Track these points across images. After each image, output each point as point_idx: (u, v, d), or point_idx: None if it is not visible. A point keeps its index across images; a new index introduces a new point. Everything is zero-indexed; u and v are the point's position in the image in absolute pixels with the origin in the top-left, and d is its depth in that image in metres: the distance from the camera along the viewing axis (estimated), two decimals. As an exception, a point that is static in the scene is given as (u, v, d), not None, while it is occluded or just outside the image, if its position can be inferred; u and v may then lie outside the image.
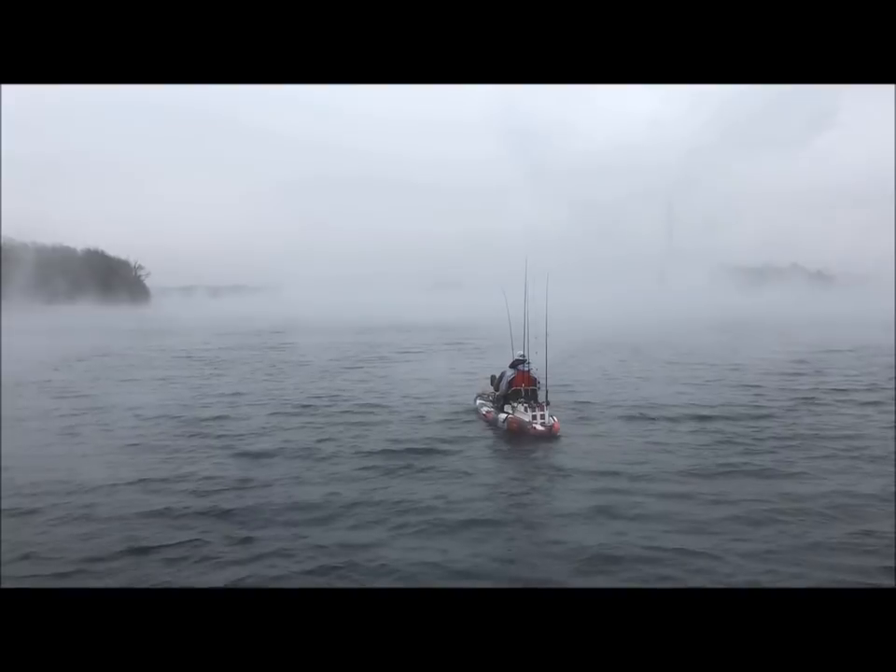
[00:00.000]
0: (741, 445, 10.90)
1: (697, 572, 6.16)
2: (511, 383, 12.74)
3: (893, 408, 13.92)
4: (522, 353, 12.89)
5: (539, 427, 11.69)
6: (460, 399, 15.29)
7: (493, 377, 13.73)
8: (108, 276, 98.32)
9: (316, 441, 11.43)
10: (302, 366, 23.47)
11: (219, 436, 12.00)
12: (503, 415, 12.42)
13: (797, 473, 9.30)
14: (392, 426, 12.72)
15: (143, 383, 19.23)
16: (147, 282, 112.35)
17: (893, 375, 18.81)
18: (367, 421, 13.20)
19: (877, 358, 23.47)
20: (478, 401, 14.11)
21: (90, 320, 55.67)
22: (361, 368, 22.65)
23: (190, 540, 6.99)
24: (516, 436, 11.73)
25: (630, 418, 13.20)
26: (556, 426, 11.74)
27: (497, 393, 13.20)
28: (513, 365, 12.92)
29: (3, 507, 8.03)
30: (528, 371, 12.76)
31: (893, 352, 23.57)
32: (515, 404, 12.39)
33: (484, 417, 13.14)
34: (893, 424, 12.31)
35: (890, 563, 6.27)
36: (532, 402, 12.28)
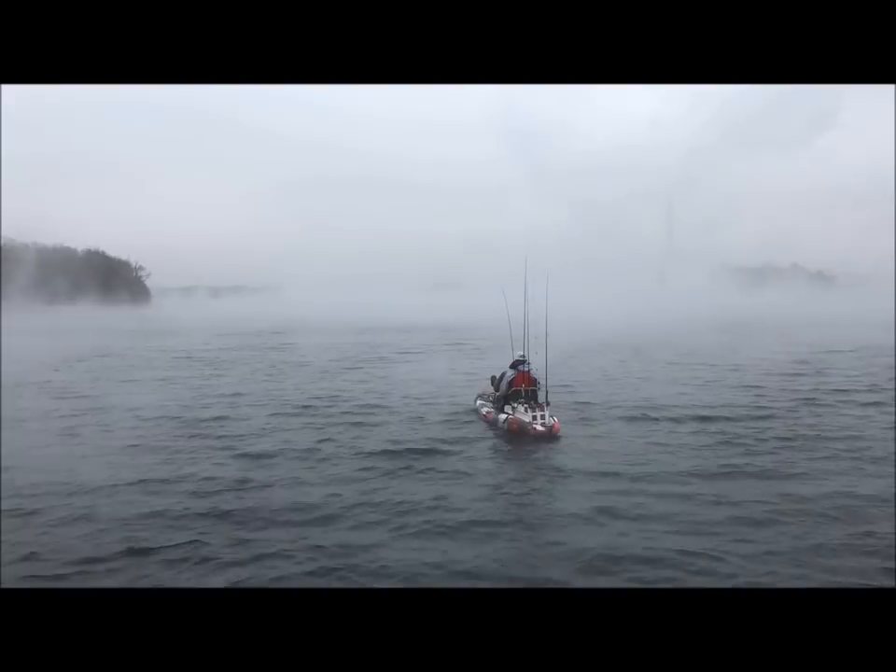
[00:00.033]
0: (742, 446, 10.89)
1: (698, 573, 6.15)
2: (511, 383, 12.74)
3: (894, 409, 13.92)
4: (522, 353, 12.88)
5: (540, 428, 11.69)
6: (460, 400, 15.29)
7: (493, 378, 13.73)
8: (109, 277, 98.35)
9: (317, 442, 11.43)
10: (302, 366, 23.47)
11: (219, 437, 12.00)
12: (503, 416, 12.42)
13: (798, 474, 9.29)
14: (392, 426, 12.71)
15: (143, 383, 19.23)
16: (148, 282, 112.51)
17: (894, 376, 18.81)
18: (367, 422, 13.19)
19: (878, 359, 23.46)
20: (478, 402, 14.11)
21: (90, 321, 55.68)
22: (361, 368, 22.65)
23: (190, 542, 6.98)
24: (516, 436, 11.73)
25: (631, 419, 13.20)
26: (556, 426, 11.74)
27: (498, 393, 13.20)
28: (513, 365, 12.92)
29: (3, 508, 8.03)
30: (528, 371, 12.75)
31: (893, 352, 23.56)
32: (515, 405, 12.39)
33: (485, 418, 13.13)
34: (894, 425, 12.31)
35: (891, 564, 6.26)
36: (532, 403, 12.27)
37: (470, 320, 43.48)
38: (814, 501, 8.08)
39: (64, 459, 10.46)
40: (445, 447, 11.04)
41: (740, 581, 5.95)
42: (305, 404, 15.33)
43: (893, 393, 15.97)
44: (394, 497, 8.36)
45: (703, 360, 23.42)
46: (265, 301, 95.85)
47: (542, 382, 12.62)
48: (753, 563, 6.35)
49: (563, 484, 9.01)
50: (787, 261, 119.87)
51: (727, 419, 13.04)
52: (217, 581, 6.09)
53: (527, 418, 11.86)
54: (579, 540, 6.95)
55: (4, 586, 5.84)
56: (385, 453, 10.66)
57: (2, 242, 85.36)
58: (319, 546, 6.86)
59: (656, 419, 13.11)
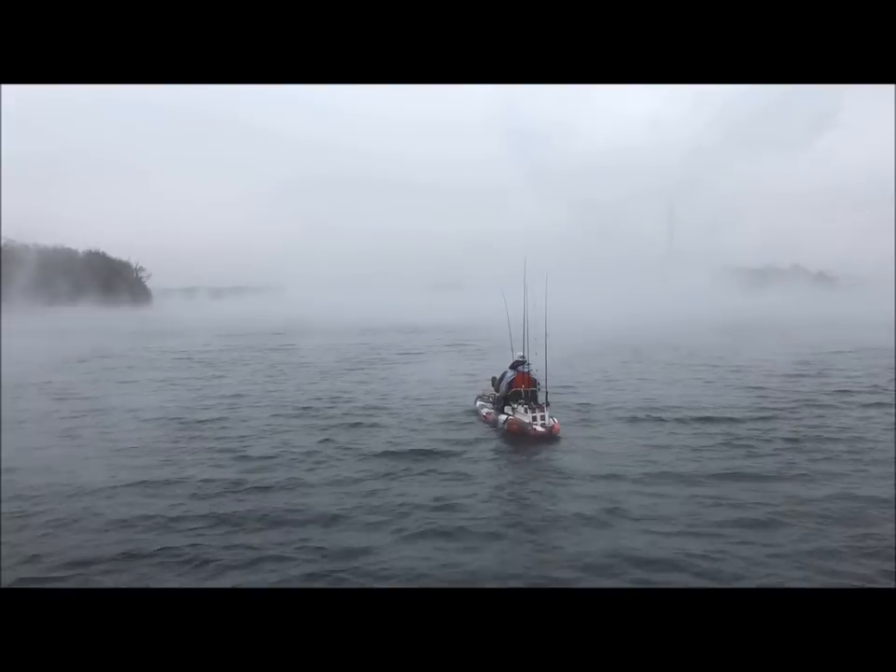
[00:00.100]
0: (743, 448, 10.88)
1: (699, 575, 6.15)
2: (511, 384, 12.74)
3: (894, 410, 13.90)
4: (522, 354, 12.88)
5: (540, 429, 11.68)
6: (460, 401, 15.28)
7: (493, 378, 13.73)
8: (110, 278, 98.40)
9: (317, 443, 11.43)
10: (303, 367, 23.48)
11: (220, 438, 12.00)
12: (503, 417, 12.42)
13: (800, 475, 9.28)
14: (392, 428, 12.71)
15: (143, 384, 19.23)
16: (149, 283, 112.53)
17: (894, 377, 18.80)
18: (367, 423, 13.19)
19: (879, 360, 23.44)
20: (478, 403, 14.11)
21: (91, 322, 55.70)
22: (362, 369, 22.65)
23: (190, 544, 6.97)
24: (516, 437, 11.72)
25: (631, 420, 13.19)
26: (556, 427, 11.73)
27: (498, 394, 13.20)
28: (513, 366, 12.92)
29: (3, 509, 8.03)
30: (528, 372, 12.75)
31: (894, 354, 23.56)
32: (515, 405, 12.38)
33: (485, 419, 13.13)
34: (894, 426, 12.30)
35: (891, 566, 6.25)
36: (532, 404, 12.27)
37: (471, 321, 43.48)
38: (815, 503, 8.07)
39: (64, 460, 10.46)
40: (445, 448, 11.04)
41: (741, 582, 5.94)
42: (305, 405, 15.33)
43: (894, 394, 15.96)
44: (394, 499, 8.36)
45: (704, 361, 23.41)
46: (266, 301, 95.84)
47: (542, 383, 12.62)
48: (754, 564, 6.34)
49: (564, 486, 9.00)
50: (788, 262, 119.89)
51: (729, 420, 13.03)
52: (217, 583, 6.08)
53: (527, 419, 11.85)
54: (579, 542, 6.94)
55: (4, 586, 5.84)
56: (385, 454, 10.66)
57: (2, 243, 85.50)
58: (319, 548, 6.86)
59: (657, 420, 13.10)
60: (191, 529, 7.40)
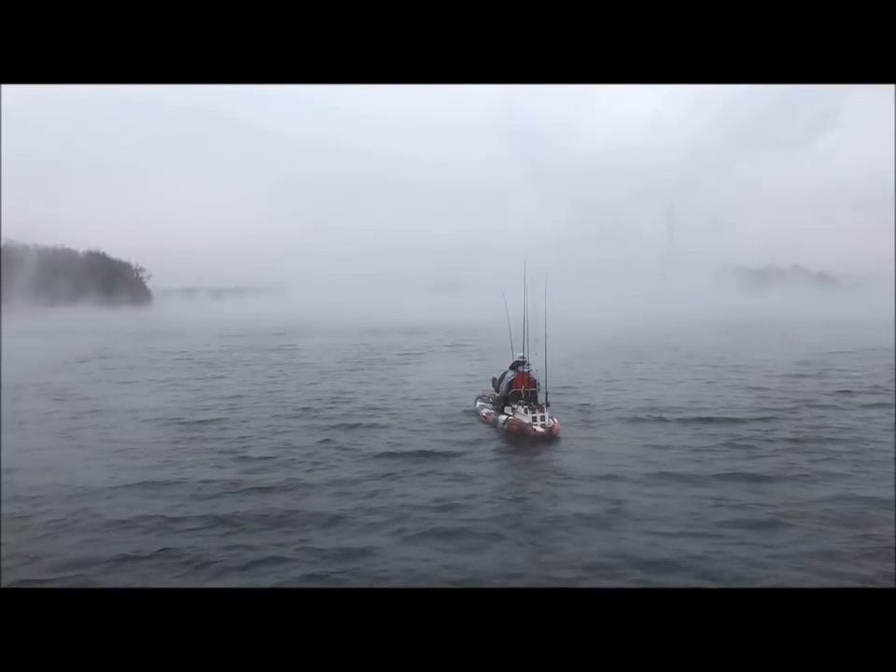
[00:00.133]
0: (744, 448, 10.87)
1: (700, 575, 6.14)
2: (511, 384, 12.74)
3: (894, 410, 13.90)
4: (522, 354, 12.89)
5: (539, 429, 11.68)
6: (461, 402, 15.28)
7: (494, 379, 13.74)
8: (110, 278, 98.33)
9: (317, 443, 11.43)
10: (303, 368, 23.48)
11: (219, 438, 12.00)
12: (503, 417, 12.42)
13: (800, 476, 9.27)
14: (392, 429, 12.71)
15: (143, 385, 19.24)
16: (149, 284, 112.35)
17: (894, 377, 18.79)
18: (367, 424, 13.19)
19: (879, 360, 23.43)
20: (478, 403, 14.11)
21: (91, 322, 55.72)
22: (362, 370, 22.66)
23: (190, 545, 6.97)
24: (516, 438, 11.72)
25: (632, 420, 13.19)
26: (556, 427, 11.74)
27: (498, 395, 13.21)
28: (513, 367, 12.92)
29: (3, 510, 8.03)
30: (528, 372, 12.75)
31: (894, 354, 23.55)
32: (515, 406, 12.38)
33: (485, 419, 13.13)
34: (894, 426, 12.29)
35: (891, 567, 6.25)
36: (532, 404, 12.27)
37: (471, 321, 43.49)
38: (815, 504, 8.06)
39: (64, 461, 10.46)
40: (446, 449, 11.03)
41: (741, 582, 5.94)
42: (305, 406, 15.34)
43: (894, 395, 15.95)
44: (395, 500, 8.35)
45: (705, 362, 23.42)
46: (267, 302, 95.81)
47: (542, 383, 12.62)
48: (754, 565, 6.34)
49: (564, 486, 8.99)
50: (788, 263, 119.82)
51: (729, 421, 13.03)
52: (217, 583, 6.08)
53: (527, 419, 11.85)
54: (580, 542, 6.94)
55: (4, 586, 5.84)
56: (385, 455, 10.66)
57: (2, 243, 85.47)
58: (319, 549, 6.85)
59: (658, 420, 13.10)
60: (191, 530, 7.40)
